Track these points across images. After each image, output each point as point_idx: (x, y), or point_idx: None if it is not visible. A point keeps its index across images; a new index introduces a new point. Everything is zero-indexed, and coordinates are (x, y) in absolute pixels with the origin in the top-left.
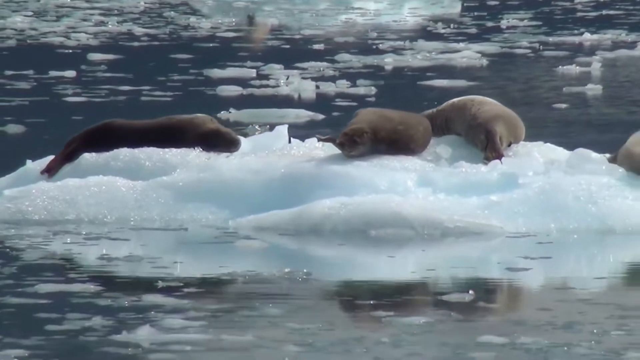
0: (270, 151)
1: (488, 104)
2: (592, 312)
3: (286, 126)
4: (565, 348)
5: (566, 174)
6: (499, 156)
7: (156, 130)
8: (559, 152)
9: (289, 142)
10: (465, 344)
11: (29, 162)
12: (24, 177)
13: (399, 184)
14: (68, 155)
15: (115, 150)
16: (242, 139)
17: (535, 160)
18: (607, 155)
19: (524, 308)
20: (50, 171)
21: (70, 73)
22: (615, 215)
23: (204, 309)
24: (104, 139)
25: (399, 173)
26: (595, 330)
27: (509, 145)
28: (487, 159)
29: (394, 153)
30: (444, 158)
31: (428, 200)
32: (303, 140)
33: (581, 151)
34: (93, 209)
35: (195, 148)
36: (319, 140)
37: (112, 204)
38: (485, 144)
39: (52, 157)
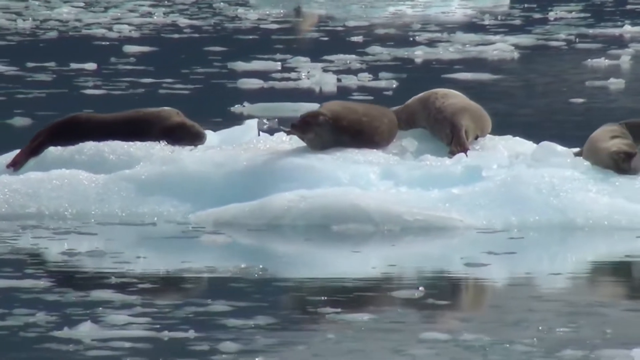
0: (236, 144)
1: (452, 97)
2: (541, 309)
3: (256, 120)
4: (507, 345)
5: (529, 167)
6: (464, 150)
7: (122, 124)
8: (527, 146)
9: (258, 135)
10: (408, 340)
11: None
12: None
13: (362, 177)
14: (34, 149)
15: (80, 144)
16: (210, 132)
17: (500, 154)
18: (576, 149)
19: (474, 304)
20: (16, 165)
21: (91, 65)
22: (578, 209)
23: (152, 305)
24: (71, 132)
25: (362, 166)
26: (540, 327)
27: (476, 138)
28: (452, 153)
29: (358, 146)
30: (410, 151)
31: (389, 193)
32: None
33: (546, 144)
34: (54, 202)
35: (161, 141)
36: (288, 133)
37: (74, 197)
38: (450, 138)
39: (18, 150)
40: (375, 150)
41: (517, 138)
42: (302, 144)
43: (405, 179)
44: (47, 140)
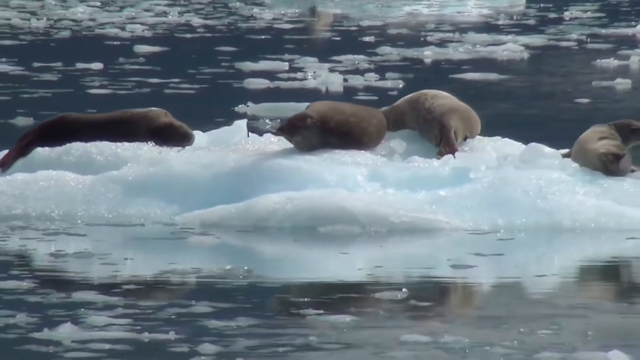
0: (224, 145)
1: (442, 98)
2: (524, 311)
3: (245, 120)
4: (487, 347)
5: (517, 169)
6: (453, 151)
7: (110, 124)
8: (516, 147)
9: (248, 136)
10: (388, 343)
11: None
12: None
13: (349, 179)
14: (22, 149)
15: (67, 145)
16: (199, 133)
17: (488, 155)
18: (565, 150)
19: (456, 306)
20: (4, 165)
21: (97, 65)
22: (564, 211)
23: (134, 307)
24: (59, 132)
25: (349, 167)
26: (522, 329)
27: (465, 139)
28: (440, 154)
29: (346, 147)
30: (398, 153)
31: (375, 195)
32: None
33: (534, 146)
34: (41, 203)
35: (148, 142)
36: (275, 134)
37: (60, 198)
38: (439, 138)
39: (6, 151)
40: (363, 151)
41: (506, 139)
42: (290, 144)
43: (393, 180)
44: (35, 140)
